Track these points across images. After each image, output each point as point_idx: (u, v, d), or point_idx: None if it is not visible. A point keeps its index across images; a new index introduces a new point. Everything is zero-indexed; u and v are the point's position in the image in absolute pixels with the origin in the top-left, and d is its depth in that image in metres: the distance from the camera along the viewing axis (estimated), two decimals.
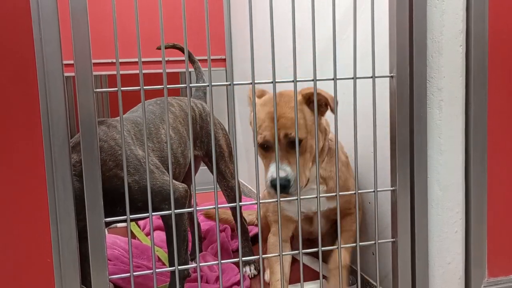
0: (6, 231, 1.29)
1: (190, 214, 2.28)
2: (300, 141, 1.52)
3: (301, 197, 1.41)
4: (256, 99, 1.68)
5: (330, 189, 1.71)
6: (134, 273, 1.32)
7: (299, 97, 1.57)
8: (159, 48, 2.33)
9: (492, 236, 1.57)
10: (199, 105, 2.15)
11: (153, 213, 1.34)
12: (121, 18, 3.19)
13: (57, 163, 1.27)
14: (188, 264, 1.79)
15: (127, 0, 3.23)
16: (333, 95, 1.45)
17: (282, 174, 1.50)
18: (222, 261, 1.38)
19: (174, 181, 1.77)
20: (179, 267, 1.38)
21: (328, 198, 1.73)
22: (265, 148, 1.58)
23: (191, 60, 2.37)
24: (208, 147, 2.12)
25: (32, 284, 1.31)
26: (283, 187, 1.49)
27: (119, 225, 2.74)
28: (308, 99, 1.58)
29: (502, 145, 1.56)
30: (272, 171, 1.52)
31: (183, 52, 2.40)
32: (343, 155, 1.80)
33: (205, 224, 2.61)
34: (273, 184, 1.51)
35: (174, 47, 2.28)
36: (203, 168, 2.35)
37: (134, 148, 1.70)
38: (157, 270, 1.34)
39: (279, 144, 1.52)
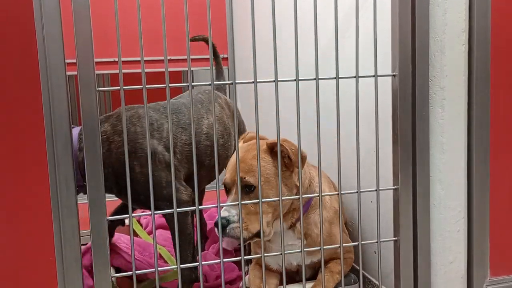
0: (8, 230, 1.29)
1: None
2: (253, 186, 1.57)
3: (285, 251, 1.43)
4: (241, 143, 1.75)
5: (309, 245, 1.71)
6: (136, 272, 1.32)
7: (264, 146, 1.60)
8: (192, 40, 2.25)
9: (494, 235, 1.57)
10: (229, 102, 2.15)
11: (155, 212, 1.34)
12: (123, 16, 3.19)
13: (60, 161, 1.27)
14: (196, 269, 1.76)
15: None
16: (302, 150, 1.44)
17: (225, 214, 1.54)
18: (224, 260, 1.38)
19: (180, 185, 1.78)
20: (181, 265, 1.38)
21: (310, 253, 1.74)
22: (226, 190, 1.64)
23: (215, 55, 2.32)
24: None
25: (35, 282, 1.32)
26: (223, 226, 1.53)
27: None
28: (272, 149, 1.60)
29: (504, 144, 1.55)
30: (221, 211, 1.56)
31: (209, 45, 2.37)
32: (331, 210, 1.78)
33: (208, 224, 2.61)
34: (215, 223, 1.56)
35: (202, 39, 2.24)
36: None
37: (157, 142, 1.71)
38: (159, 268, 1.34)
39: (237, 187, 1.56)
